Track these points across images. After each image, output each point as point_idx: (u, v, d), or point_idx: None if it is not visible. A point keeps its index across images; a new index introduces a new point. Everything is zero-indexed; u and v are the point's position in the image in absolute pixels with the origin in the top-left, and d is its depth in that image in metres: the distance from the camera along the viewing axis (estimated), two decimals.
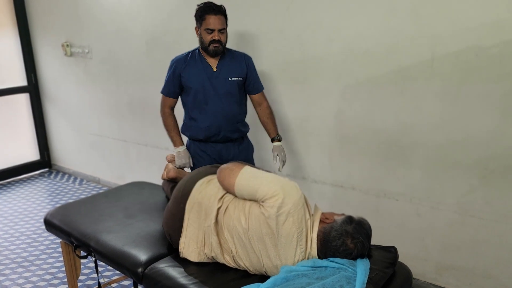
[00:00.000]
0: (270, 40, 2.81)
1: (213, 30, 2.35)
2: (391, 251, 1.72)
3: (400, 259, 1.74)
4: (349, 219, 1.63)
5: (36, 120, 4.83)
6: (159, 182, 2.65)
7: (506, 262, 2.26)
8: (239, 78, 2.50)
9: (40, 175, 4.87)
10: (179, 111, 2.64)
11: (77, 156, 4.71)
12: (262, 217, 1.59)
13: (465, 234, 2.35)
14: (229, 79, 2.47)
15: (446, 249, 2.43)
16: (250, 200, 1.69)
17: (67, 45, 4.21)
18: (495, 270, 2.30)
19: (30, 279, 2.83)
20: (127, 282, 2.74)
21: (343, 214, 1.69)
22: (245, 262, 1.70)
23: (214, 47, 2.39)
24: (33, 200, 4.13)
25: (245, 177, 1.70)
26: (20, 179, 4.73)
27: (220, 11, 2.36)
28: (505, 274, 2.28)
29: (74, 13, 4.05)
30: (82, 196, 4.16)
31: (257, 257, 1.64)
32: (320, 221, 1.66)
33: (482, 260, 2.33)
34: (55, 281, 2.80)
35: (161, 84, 2.59)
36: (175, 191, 1.95)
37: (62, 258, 2.47)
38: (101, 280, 2.69)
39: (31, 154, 4.92)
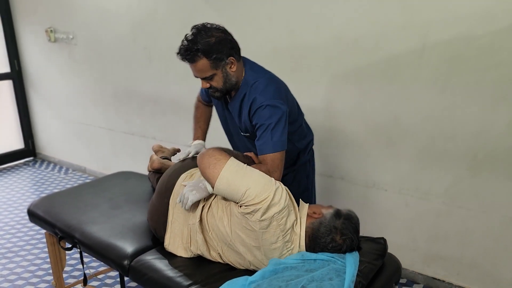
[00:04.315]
0: (260, 28, 2.76)
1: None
2: (381, 242, 1.72)
3: (388, 250, 1.73)
4: (337, 214, 1.60)
5: (19, 107, 4.72)
6: (146, 172, 2.60)
7: (492, 252, 2.28)
8: (246, 134, 1.90)
9: (24, 164, 4.78)
10: None
11: (62, 145, 4.63)
12: (244, 219, 1.53)
13: (452, 224, 2.36)
14: (241, 133, 1.93)
15: (434, 239, 2.44)
16: (227, 200, 1.61)
17: (51, 31, 4.10)
18: (482, 260, 2.32)
19: (14, 270, 2.78)
20: (114, 273, 2.71)
21: (330, 206, 1.65)
22: (231, 259, 1.67)
23: (211, 93, 1.84)
24: (17, 190, 4.05)
25: (231, 170, 1.54)
26: (4, 168, 4.63)
27: (187, 59, 1.70)
28: (491, 263, 2.30)
29: None
30: (68, 186, 4.09)
31: (243, 256, 1.61)
32: (308, 215, 1.63)
33: (469, 250, 2.35)
34: (40, 272, 2.76)
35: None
36: (159, 184, 1.90)
37: (47, 249, 2.43)
38: (87, 272, 2.65)
39: (15, 142, 4.81)
